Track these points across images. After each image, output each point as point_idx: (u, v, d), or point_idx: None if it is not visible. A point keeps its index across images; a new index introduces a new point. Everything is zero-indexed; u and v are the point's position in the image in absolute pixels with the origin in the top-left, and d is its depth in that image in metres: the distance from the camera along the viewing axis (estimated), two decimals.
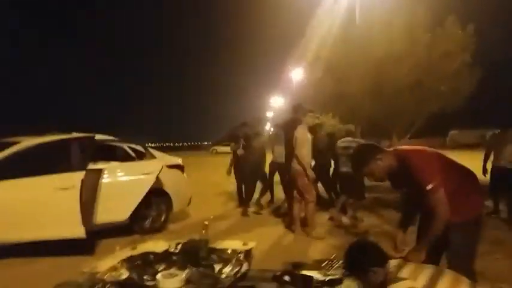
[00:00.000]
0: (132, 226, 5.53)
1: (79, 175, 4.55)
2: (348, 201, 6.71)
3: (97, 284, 3.72)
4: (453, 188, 2.53)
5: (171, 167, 6.06)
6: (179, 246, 4.70)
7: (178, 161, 6.48)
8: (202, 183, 8.30)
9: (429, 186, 2.46)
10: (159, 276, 3.59)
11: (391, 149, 2.81)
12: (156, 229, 5.74)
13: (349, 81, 13.70)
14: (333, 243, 5.15)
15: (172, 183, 5.94)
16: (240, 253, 4.61)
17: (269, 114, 65.54)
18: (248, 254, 4.59)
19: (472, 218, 2.59)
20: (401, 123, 14.44)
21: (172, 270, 3.76)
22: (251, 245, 4.98)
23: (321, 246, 5.09)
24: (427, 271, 1.89)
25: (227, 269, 4.05)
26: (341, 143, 6.71)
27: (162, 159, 6.17)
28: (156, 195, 5.66)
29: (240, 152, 7.46)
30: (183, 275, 3.66)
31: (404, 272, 1.89)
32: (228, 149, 46.99)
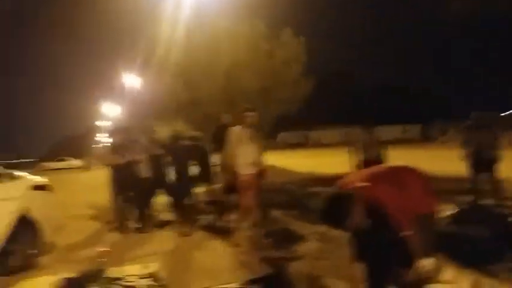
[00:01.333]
0: None
1: None
2: None
3: None
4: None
5: (36, 188, 5.00)
6: (72, 284, 3.97)
7: (45, 180, 5.40)
8: None
9: (406, 233, 2.44)
10: None
11: (356, 189, 2.63)
12: (25, 266, 4.61)
13: (200, 88, 13.86)
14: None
15: (39, 207, 4.87)
16: (147, 277, 4.14)
17: (100, 122, 61.08)
18: (157, 277, 4.15)
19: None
20: None
21: None
22: (154, 266, 4.51)
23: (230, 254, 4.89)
24: (469, 276, 1.92)
25: None
26: None
27: (25, 179, 5.05)
28: (21, 224, 4.55)
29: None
30: None
31: (446, 275, 1.89)
32: (60, 164, 41.59)
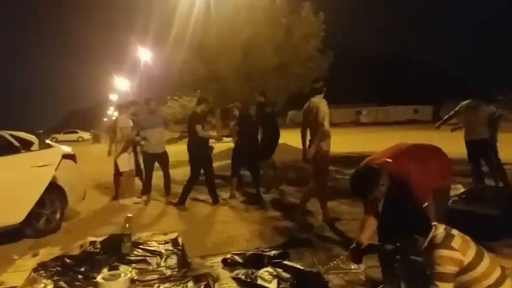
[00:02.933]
0: (23, 228, 4.64)
1: None
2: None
3: None
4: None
5: (64, 157, 5.24)
6: (98, 245, 4.24)
7: (69, 149, 5.65)
8: None
9: (425, 204, 2.63)
10: (100, 279, 3.16)
11: (382, 164, 2.75)
12: (52, 230, 4.93)
13: (217, 62, 13.86)
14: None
15: (65, 175, 5.12)
16: (166, 243, 4.39)
17: (113, 96, 61.45)
18: (176, 242, 4.40)
19: None
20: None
21: (112, 271, 3.37)
22: (173, 234, 4.76)
23: (244, 224, 5.14)
24: (473, 248, 2.08)
25: (167, 262, 3.81)
26: None
27: (57, 148, 5.30)
28: (48, 191, 4.83)
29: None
30: (127, 274, 3.31)
31: (454, 243, 2.06)
32: (69, 137, 41.91)
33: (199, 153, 6.30)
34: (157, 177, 6.93)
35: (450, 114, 6.77)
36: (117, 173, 7.18)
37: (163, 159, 6.69)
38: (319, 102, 5.01)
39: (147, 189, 6.80)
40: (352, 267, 3.30)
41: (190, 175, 6.35)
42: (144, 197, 6.84)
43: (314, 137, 4.97)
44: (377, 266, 3.03)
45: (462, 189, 4.57)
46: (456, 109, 6.59)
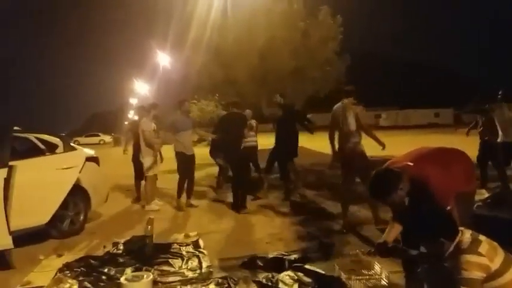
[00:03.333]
0: (48, 229, 4.76)
1: (1, 173, 3.68)
2: None
3: None
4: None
5: (88, 159, 5.36)
6: (121, 246, 4.33)
7: (92, 152, 5.78)
8: None
9: (447, 209, 2.59)
10: (123, 280, 3.22)
11: (403, 167, 2.72)
12: (75, 231, 5.05)
13: (235, 66, 13.97)
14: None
15: (89, 177, 5.24)
16: (188, 245, 4.45)
17: (133, 100, 62.29)
18: (197, 245, 4.45)
19: None
20: None
21: (135, 272, 3.43)
22: (194, 236, 4.82)
23: (264, 228, 5.15)
24: (501, 255, 2.05)
25: (188, 264, 3.86)
26: None
27: (81, 151, 5.42)
28: (72, 193, 4.95)
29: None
30: (150, 275, 3.36)
31: (481, 248, 2.03)
32: (91, 140, 42.57)
33: (238, 155, 6.43)
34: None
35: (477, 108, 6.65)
36: (138, 177, 7.31)
37: (192, 161, 6.67)
38: (355, 105, 5.14)
39: (180, 192, 6.64)
40: (372, 271, 3.28)
41: (238, 177, 6.45)
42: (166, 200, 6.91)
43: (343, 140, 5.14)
44: (400, 271, 3.01)
45: (486, 195, 4.49)
46: (484, 107, 6.47)
